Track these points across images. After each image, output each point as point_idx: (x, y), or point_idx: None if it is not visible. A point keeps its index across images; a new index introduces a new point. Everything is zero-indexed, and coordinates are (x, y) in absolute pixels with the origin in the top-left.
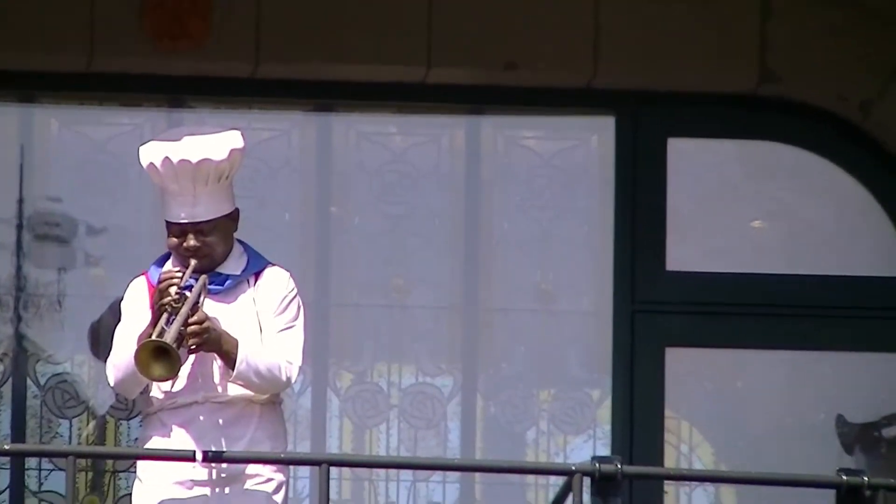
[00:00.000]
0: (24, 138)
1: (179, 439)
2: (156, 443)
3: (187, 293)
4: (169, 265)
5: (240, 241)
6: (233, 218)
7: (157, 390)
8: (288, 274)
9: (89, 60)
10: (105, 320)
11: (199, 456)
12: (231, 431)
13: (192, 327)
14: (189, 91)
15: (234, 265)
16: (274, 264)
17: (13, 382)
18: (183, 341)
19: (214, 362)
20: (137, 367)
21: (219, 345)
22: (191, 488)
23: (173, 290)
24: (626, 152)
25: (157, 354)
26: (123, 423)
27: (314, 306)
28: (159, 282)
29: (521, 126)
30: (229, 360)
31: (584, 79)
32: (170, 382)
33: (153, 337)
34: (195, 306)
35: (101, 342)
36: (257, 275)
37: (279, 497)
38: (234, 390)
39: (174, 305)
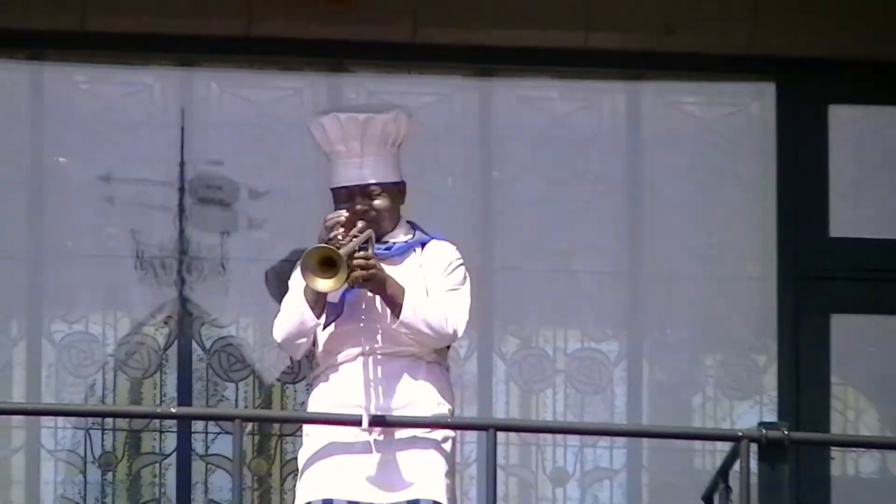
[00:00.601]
0: (185, 101)
1: (345, 394)
2: (321, 395)
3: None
4: None
5: (408, 221)
6: (400, 190)
7: (323, 347)
8: (455, 246)
9: (249, 24)
10: (271, 279)
11: (364, 422)
12: (396, 386)
13: (359, 260)
14: (349, 55)
15: (400, 236)
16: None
17: (179, 345)
18: (349, 275)
19: (381, 314)
20: (305, 277)
21: (384, 286)
22: (358, 434)
23: (339, 231)
24: (787, 119)
25: (324, 267)
26: (289, 387)
27: (478, 271)
28: (325, 221)
29: (682, 91)
30: (394, 305)
31: (745, 45)
32: (337, 331)
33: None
34: (362, 248)
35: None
36: (423, 246)
37: (447, 446)
38: (401, 343)
39: (340, 241)
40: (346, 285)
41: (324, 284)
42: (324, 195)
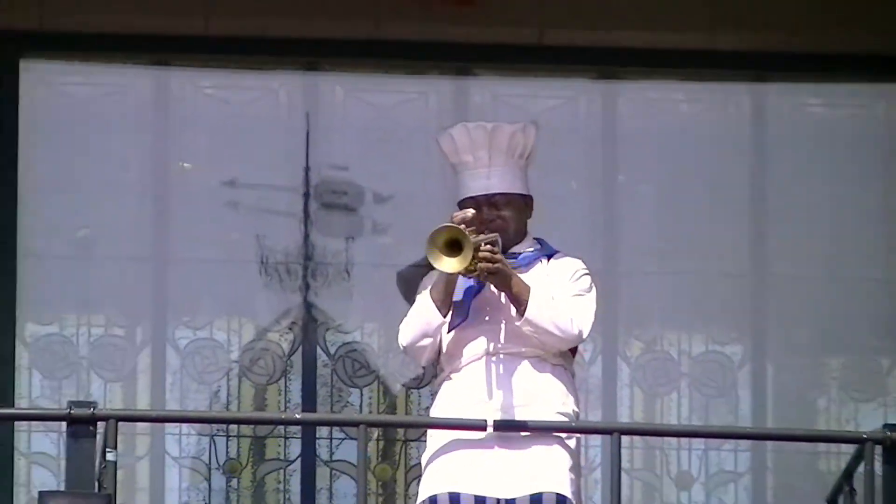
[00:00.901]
0: (310, 106)
1: (469, 393)
2: (446, 395)
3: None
4: None
5: (535, 238)
6: (527, 203)
7: (447, 350)
8: (581, 259)
9: (376, 27)
10: (401, 281)
11: (489, 426)
12: (521, 384)
13: (485, 253)
14: (474, 58)
15: (527, 248)
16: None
17: (303, 351)
18: (474, 266)
19: (506, 313)
20: (429, 255)
21: (509, 282)
22: (485, 429)
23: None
24: None
25: (450, 248)
26: (414, 392)
27: (602, 274)
28: (451, 219)
29: (807, 92)
30: (520, 303)
31: (871, 45)
32: (462, 332)
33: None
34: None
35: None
36: (550, 258)
37: (571, 443)
38: (525, 343)
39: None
40: (472, 280)
41: (448, 264)
42: (448, 200)
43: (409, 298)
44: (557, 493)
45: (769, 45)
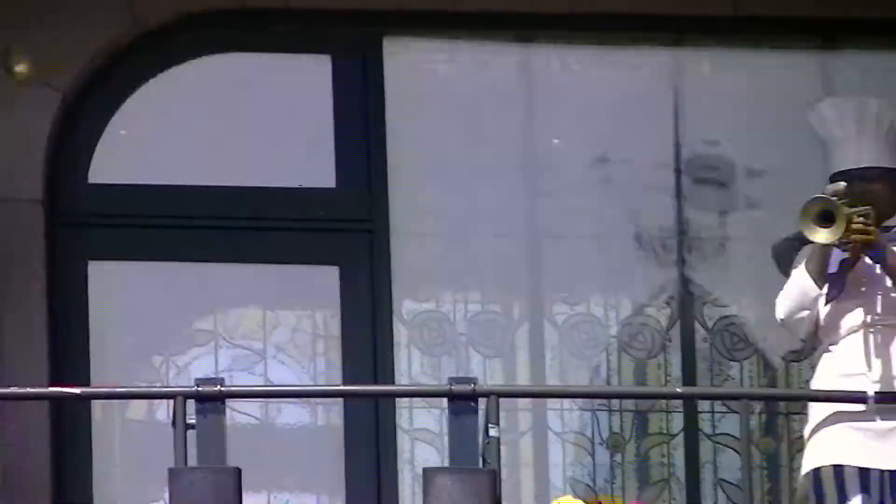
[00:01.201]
0: (677, 82)
1: (848, 364)
2: (826, 366)
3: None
4: None
5: None
6: None
7: (824, 322)
8: None
9: (736, 5)
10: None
11: (870, 398)
12: None
13: (858, 225)
14: (838, 31)
15: None
16: None
17: (681, 326)
18: (848, 238)
19: (883, 284)
20: (802, 227)
21: (884, 253)
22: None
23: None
24: None
25: (823, 219)
26: (794, 365)
27: None
28: (823, 191)
29: None
30: (895, 274)
31: None
32: (839, 304)
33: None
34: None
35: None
36: None
37: None
38: None
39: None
40: (846, 254)
41: (821, 236)
42: (820, 174)
43: (785, 272)
44: None
45: None
